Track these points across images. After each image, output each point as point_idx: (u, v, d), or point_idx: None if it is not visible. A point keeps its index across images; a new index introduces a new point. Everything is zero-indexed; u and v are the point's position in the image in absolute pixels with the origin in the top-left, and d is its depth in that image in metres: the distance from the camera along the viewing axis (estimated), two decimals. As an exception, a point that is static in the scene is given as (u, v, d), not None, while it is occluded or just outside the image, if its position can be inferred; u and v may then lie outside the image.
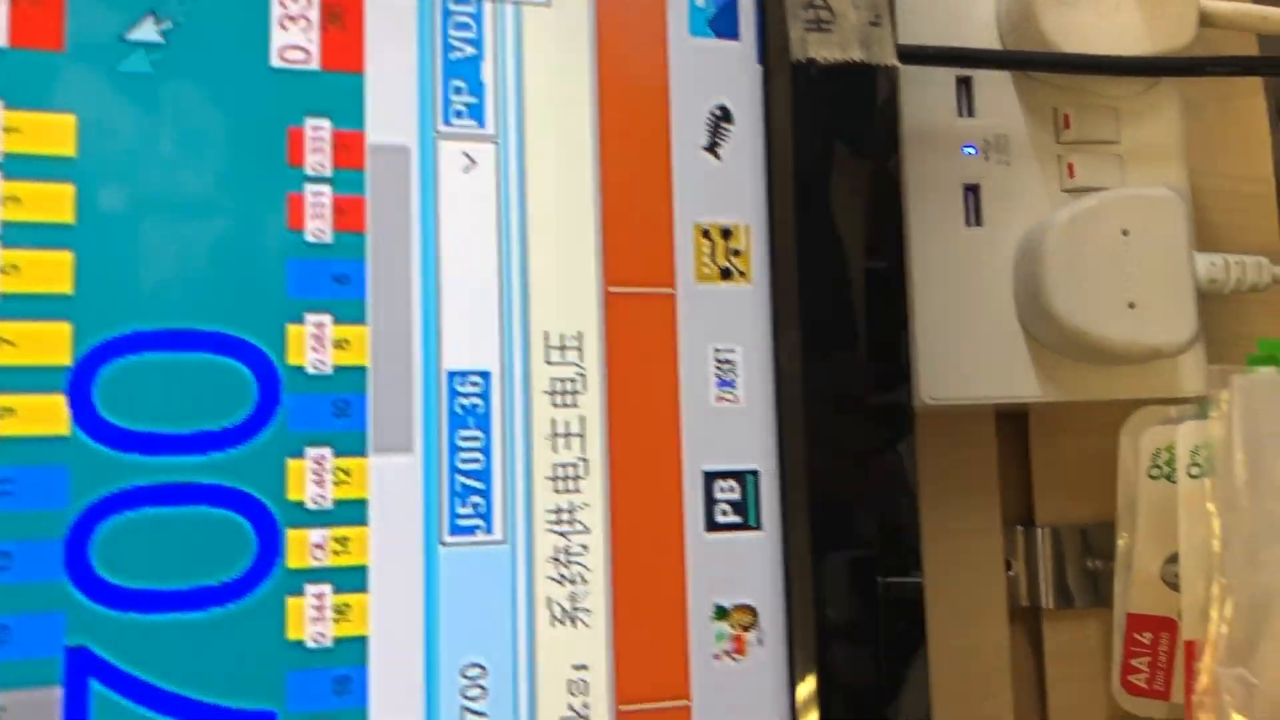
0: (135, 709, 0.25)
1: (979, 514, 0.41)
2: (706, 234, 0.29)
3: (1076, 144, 0.39)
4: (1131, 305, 0.36)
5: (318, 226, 0.27)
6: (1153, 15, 0.38)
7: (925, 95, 0.38)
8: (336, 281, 0.27)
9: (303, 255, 0.27)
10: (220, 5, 0.27)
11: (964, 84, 0.39)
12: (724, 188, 0.29)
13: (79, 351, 0.25)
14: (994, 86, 0.39)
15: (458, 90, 0.28)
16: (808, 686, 0.28)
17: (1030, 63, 0.38)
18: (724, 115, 0.30)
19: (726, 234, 0.29)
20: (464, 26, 0.29)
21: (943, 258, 0.38)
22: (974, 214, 0.38)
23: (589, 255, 0.28)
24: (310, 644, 0.26)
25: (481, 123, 0.28)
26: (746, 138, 0.30)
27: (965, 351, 0.38)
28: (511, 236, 0.28)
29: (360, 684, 0.26)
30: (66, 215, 0.25)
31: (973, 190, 0.38)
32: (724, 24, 0.30)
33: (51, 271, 0.25)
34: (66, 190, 0.25)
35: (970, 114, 0.39)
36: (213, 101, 0.27)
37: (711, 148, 0.29)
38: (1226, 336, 0.40)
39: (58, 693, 0.24)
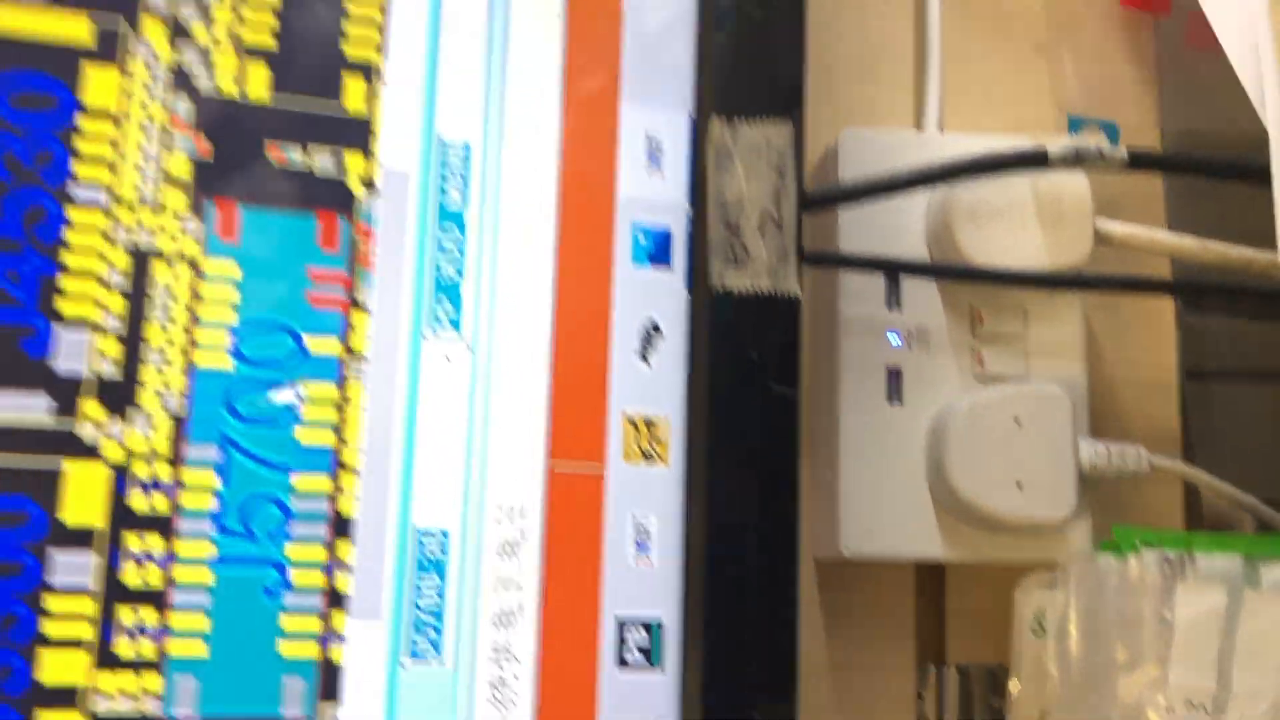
0: None
1: (894, 652, 0.46)
2: (633, 423, 0.36)
3: (988, 338, 0.45)
4: (1019, 484, 0.42)
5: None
6: (1053, 233, 0.44)
7: (859, 288, 0.45)
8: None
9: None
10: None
11: (893, 281, 0.45)
12: (651, 386, 0.36)
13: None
14: (919, 284, 0.45)
15: (439, 301, 0.36)
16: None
17: (931, 271, 0.44)
18: (655, 329, 0.36)
19: (650, 424, 0.36)
20: (450, 255, 0.36)
21: (866, 430, 0.44)
22: (896, 393, 0.44)
23: (538, 438, 0.35)
24: None
25: (459, 331, 0.35)
26: (672, 348, 0.37)
27: (882, 513, 0.44)
28: (476, 422, 0.35)
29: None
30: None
31: (895, 373, 0.44)
32: (660, 256, 0.37)
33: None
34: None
35: (898, 307, 0.45)
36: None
37: (643, 355, 0.36)
38: (1123, 514, 0.46)
39: None
